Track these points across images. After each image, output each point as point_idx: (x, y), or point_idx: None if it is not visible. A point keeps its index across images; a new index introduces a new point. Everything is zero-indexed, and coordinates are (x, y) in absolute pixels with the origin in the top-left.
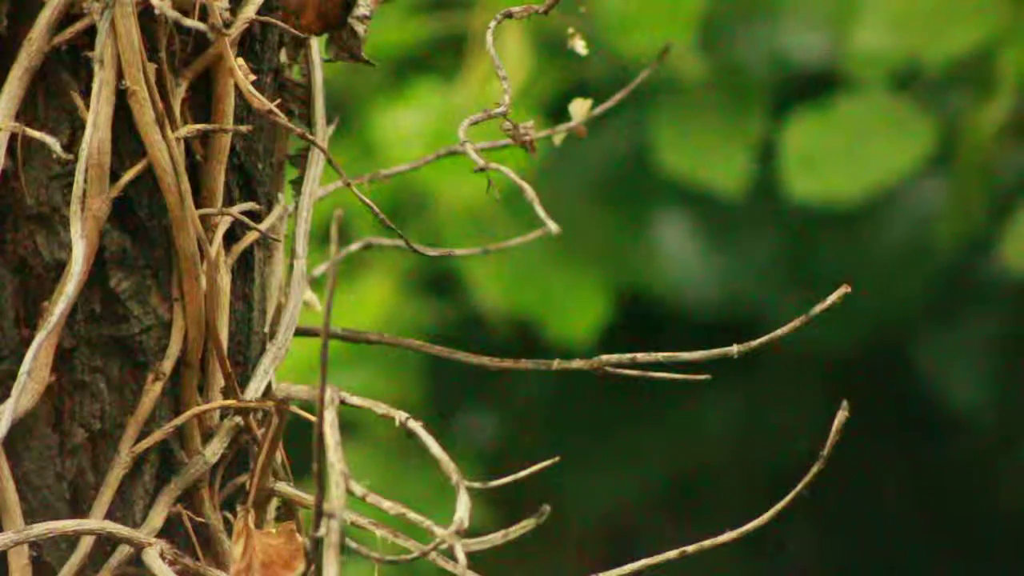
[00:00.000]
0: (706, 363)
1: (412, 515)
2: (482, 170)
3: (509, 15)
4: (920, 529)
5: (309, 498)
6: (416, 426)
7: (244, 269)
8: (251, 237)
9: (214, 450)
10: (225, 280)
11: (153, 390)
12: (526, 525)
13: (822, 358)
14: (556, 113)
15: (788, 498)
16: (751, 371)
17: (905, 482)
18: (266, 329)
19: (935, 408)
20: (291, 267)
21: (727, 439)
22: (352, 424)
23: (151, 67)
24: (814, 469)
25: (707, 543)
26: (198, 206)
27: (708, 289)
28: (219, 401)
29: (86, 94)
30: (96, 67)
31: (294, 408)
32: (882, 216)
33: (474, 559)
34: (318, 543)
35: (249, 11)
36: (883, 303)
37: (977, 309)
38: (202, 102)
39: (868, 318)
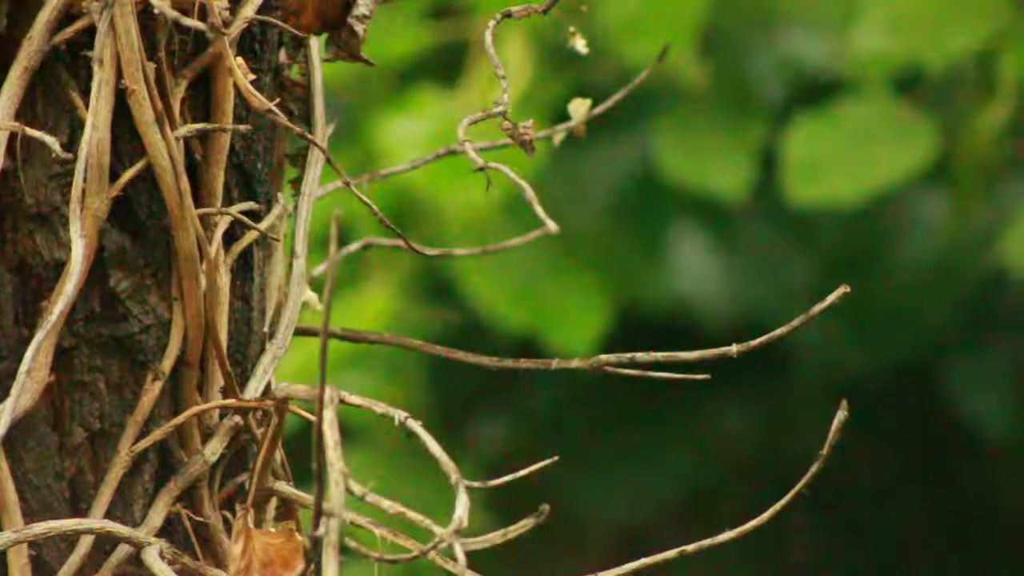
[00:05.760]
0: (706, 363)
1: (412, 515)
2: (481, 169)
3: (508, 15)
4: (946, 554)
5: (308, 497)
6: (415, 425)
7: (243, 269)
8: (250, 237)
9: (213, 449)
10: (224, 280)
11: (152, 390)
12: (525, 524)
13: (845, 381)
14: (559, 121)
15: (787, 497)
16: (773, 392)
17: (930, 504)
18: (265, 329)
19: (961, 432)
20: (290, 267)
21: (746, 459)
22: (352, 429)
23: (150, 67)
24: (813, 468)
25: (706, 542)
26: (197, 206)
27: (718, 302)
28: (218, 401)
29: (85, 93)
30: (95, 66)
31: (294, 407)
32: (893, 227)
33: (479, 563)
34: (317, 542)
35: (248, 11)
36: (909, 326)
37: (1005, 333)
38: (201, 102)
39: (893, 341)
